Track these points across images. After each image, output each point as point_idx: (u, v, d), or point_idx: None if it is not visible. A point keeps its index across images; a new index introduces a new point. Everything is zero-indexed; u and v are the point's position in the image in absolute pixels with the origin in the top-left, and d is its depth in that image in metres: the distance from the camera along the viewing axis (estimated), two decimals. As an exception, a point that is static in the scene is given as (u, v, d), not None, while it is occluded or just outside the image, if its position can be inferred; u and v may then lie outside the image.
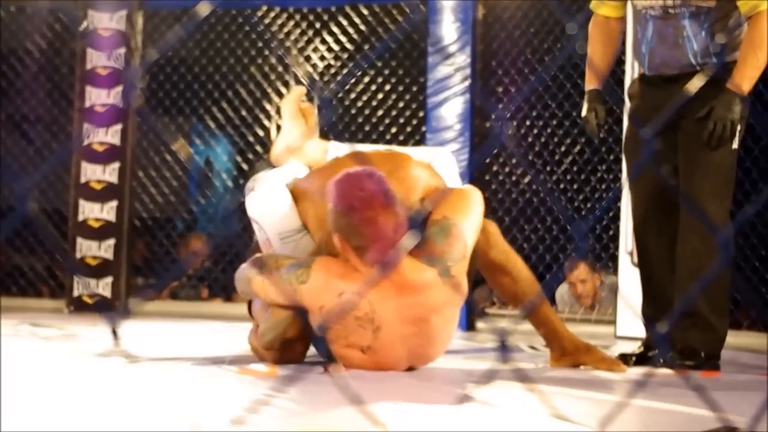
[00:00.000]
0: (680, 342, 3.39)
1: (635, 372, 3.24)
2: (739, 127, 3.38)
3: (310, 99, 3.84)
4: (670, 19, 3.43)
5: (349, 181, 2.83)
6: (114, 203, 6.28)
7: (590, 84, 3.63)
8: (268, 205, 3.17)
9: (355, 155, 3.25)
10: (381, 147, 3.69)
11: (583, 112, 3.61)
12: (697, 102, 3.40)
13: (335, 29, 7.09)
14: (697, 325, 3.39)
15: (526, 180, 6.42)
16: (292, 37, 7.28)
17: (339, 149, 3.50)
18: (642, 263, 3.61)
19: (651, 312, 3.56)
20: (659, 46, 3.47)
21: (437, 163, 3.35)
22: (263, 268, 2.98)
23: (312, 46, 7.42)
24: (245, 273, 3.05)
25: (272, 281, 2.93)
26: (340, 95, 7.23)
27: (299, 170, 3.38)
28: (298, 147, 3.57)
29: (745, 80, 3.35)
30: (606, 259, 6.04)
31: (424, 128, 6.07)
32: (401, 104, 7.10)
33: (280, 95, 7.46)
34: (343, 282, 2.82)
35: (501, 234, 3.30)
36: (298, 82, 7.58)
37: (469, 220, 3.01)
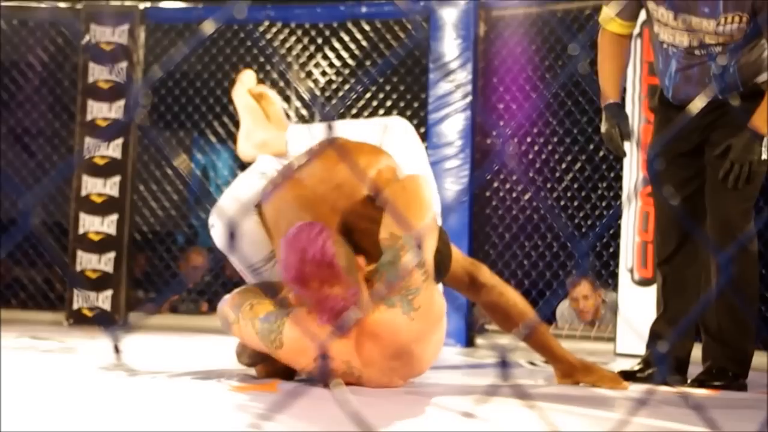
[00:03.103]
0: (708, 361, 3.39)
1: (636, 390, 3.24)
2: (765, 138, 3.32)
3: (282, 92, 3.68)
4: (695, 59, 3.36)
5: (292, 253, 2.68)
6: (114, 217, 6.28)
7: (607, 98, 3.46)
8: (242, 237, 3.01)
9: (315, 168, 3.09)
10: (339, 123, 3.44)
11: (603, 129, 3.45)
12: (719, 130, 3.37)
13: (337, 45, 7.10)
14: (725, 344, 3.38)
15: (527, 197, 6.42)
16: (294, 53, 7.29)
17: (297, 133, 3.31)
18: (666, 286, 3.52)
19: (663, 331, 3.52)
20: (684, 85, 3.41)
21: (391, 135, 3.21)
22: (240, 313, 2.90)
23: (314, 62, 7.44)
24: (225, 312, 2.98)
25: (249, 334, 2.87)
26: (341, 111, 7.24)
27: (269, 165, 3.22)
28: (261, 140, 3.38)
29: (766, 122, 3.28)
30: (606, 277, 6.03)
31: (425, 144, 6.07)
32: (402, 120, 7.10)
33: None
34: (315, 345, 2.73)
35: (493, 277, 3.24)
36: (300, 97, 7.59)
37: (420, 222, 2.87)
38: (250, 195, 3.12)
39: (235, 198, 3.17)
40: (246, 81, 3.53)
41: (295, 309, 2.81)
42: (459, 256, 3.21)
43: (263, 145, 3.38)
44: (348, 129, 3.28)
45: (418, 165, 3.20)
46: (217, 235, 3.14)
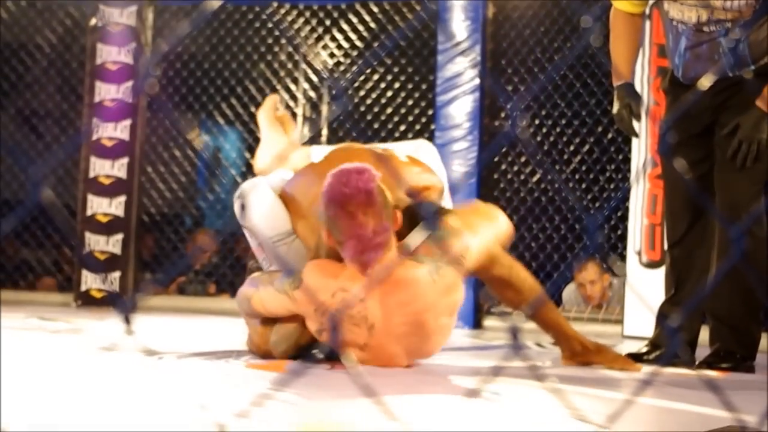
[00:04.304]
0: (716, 343, 3.38)
1: (643, 371, 3.23)
2: None
3: (291, 111, 3.85)
4: (704, 36, 3.34)
5: (338, 176, 2.84)
6: (122, 198, 6.28)
7: (619, 79, 3.46)
8: (259, 209, 3.17)
9: (339, 153, 3.24)
10: (363, 145, 3.67)
11: (615, 109, 3.46)
12: (728, 111, 3.35)
13: (345, 26, 7.09)
14: (733, 327, 3.37)
15: (535, 179, 6.41)
16: (302, 34, 7.28)
17: (322, 153, 3.47)
18: (676, 268, 3.51)
19: (672, 312, 3.51)
20: (694, 62, 3.38)
21: (421, 156, 3.35)
22: (259, 285, 3.00)
23: (321, 44, 7.43)
24: (244, 293, 3.08)
25: (268, 294, 2.95)
26: (349, 92, 7.23)
27: (286, 177, 3.38)
28: (283, 156, 3.58)
29: None
30: (616, 256, 6.02)
31: (433, 126, 6.06)
32: (410, 102, 7.10)
33: (289, 91, 7.47)
34: (335, 281, 2.81)
35: (501, 249, 3.27)
36: (308, 78, 7.57)
37: (481, 234, 3.00)
38: (274, 182, 3.28)
39: (259, 180, 3.33)
40: (272, 103, 3.79)
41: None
42: None
43: (282, 158, 3.55)
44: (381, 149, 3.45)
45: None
46: (239, 207, 3.24)
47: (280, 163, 3.52)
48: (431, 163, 3.36)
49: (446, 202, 3.29)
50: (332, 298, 2.80)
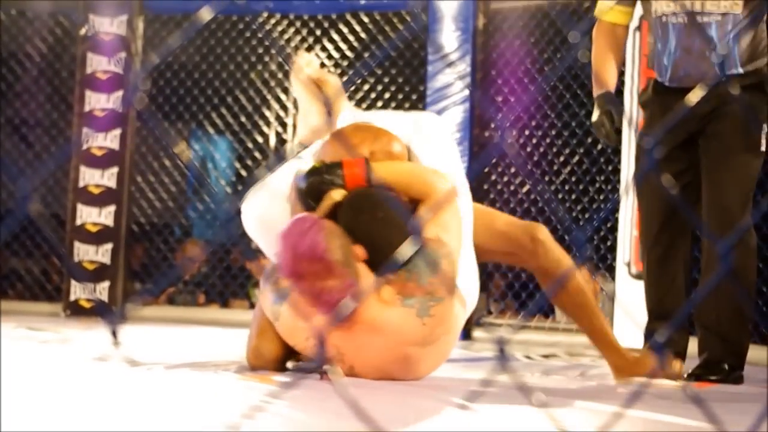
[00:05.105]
0: (703, 355, 3.39)
1: (635, 381, 3.23)
2: (765, 128, 3.33)
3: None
4: (696, 28, 3.35)
5: (285, 248, 2.63)
6: (112, 208, 6.28)
7: (599, 88, 3.44)
8: (254, 225, 3.01)
9: (335, 137, 3.06)
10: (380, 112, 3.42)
11: (594, 117, 3.43)
12: (716, 122, 3.36)
13: (336, 36, 7.09)
14: (722, 336, 3.37)
15: (524, 189, 6.42)
16: (293, 44, 7.28)
17: (344, 119, 3.24)
18: (652, 282, 3.54)
19: (658, 327, 3.51)
20: (684, 58, 3.39)
21: (420, 132, 3.10)
22: (268, 285, 2.89)
23: (312, 54, 7.43)
24: (261, 289, 3.00)
25: (266, 305, 2.88)
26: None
27: (311, 151, 3.15)
28: (315, 126, 3.37)
29: None
30: (603, 270, 6.03)
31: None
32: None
33: (280, 101, 7.47)
34: (308, 323, 2.72)
35: (552, 240, 3.20)
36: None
37: (458, 235, 2.83)
38: (284, 182, 3.04)
39: (267, 185, 3.12)
40: (301, 65, 3.50)
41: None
42: (512, 218, 3.30)
43: (317, 132, 3.35)
44: (377, 119, 3.19)
45: (446, 164, 3.08)
46: (246, 220, 3.11)
47: (315, 136, 3.28)
48: (435, 140, 3.12)
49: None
50: (306, 342, 2.77)
